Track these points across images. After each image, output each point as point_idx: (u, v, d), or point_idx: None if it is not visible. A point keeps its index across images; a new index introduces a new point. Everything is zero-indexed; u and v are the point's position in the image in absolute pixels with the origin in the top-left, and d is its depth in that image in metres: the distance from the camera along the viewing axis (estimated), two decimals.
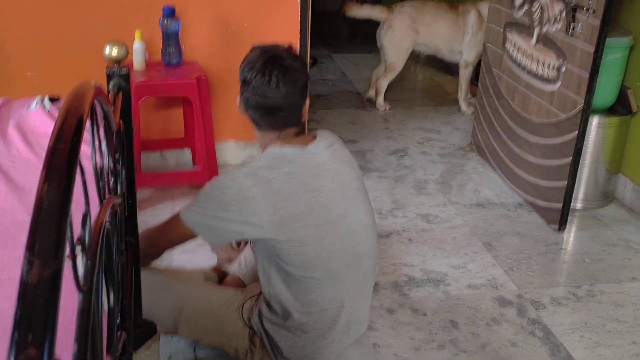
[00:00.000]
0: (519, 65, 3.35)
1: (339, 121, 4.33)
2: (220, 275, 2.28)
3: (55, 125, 0.77)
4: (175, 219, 1.80)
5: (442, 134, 4.17)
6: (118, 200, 1.39)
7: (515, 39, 3.39)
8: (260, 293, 1.95)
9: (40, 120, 1.67)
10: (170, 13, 3.11)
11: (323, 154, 1.79)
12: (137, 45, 3.13)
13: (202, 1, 3.29)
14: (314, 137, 1.84)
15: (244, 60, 1.80)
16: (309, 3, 3.45)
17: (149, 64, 3.20)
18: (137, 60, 3.15)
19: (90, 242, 0.84)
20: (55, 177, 0.64)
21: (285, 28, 3.41)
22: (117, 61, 1.84)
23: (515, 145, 3.38)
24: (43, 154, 1.54)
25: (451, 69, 5.48)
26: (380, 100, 4.51)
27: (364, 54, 5.81)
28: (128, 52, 1.83)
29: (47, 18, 3.19)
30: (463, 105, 4.55)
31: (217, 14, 3.34)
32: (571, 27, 2.86)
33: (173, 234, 1.83)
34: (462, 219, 3.13)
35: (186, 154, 3.59)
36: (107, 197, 1.15)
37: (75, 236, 0.80)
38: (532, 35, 3.22)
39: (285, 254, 1.73)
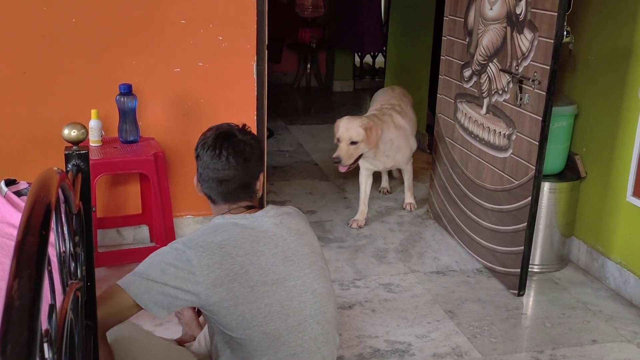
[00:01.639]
0: (470, 134, 3.45)
1: (297, 192, 4.35)
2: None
3: (22, 217, 0.75)
4: (113, 288, 1.75)
5: (399, 201, 4.22)
6: (79, 285, 1.36)
7: (466, 109, 3.51)
8: None
9: None
10: (127, 90, 3.13)
11: (268, 221, 1.85)
12: (94, 124, 3.12)
13: (158, 78, 3.32)
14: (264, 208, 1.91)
15: (199, 138, 1.93)
16: (265, 78, 3.52)
17: (105, 141, 3.19)
18: (94, 139, 3.14)
19: (56, 335, 0.82)
20: (26, 274, 0.63)
21: (242, 102, 3.46)
22: (76, 142, 1.84)
23: (471, 211, 3.45)
24: (1, 240, 1.52)
25: None
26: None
27: (319, 124, 5.91)
28: (87, 133, 1.83)
29: (1, 99, 3.16)
30: (409, 196, 4.15)
31: (174, 91, 3.37)
32: (519, 98, 2.98)
33: (112, 304, 1.73)
34: (423, 287, 3.15)
35: (143, 231, 3.54)
36: (69, 283, 1.13)
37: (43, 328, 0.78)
38: (481, 106, 3.34)
39: (222, 316, 1.75)
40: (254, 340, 1.74)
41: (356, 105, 6.74)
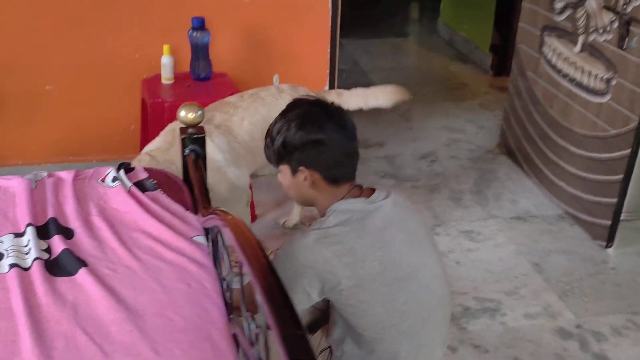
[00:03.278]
0: (559, 72, 3.24)
1: (360, 120, 4.17)
2: None
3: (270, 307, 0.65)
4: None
5: (468, 133, 4.07)
6: None
7: (555, 44, 3.27)
8: (330, 349, 1.86)
9: (123, 205, 1.51)
10: (199, 24, 2.94)
11: (387, 204, 1.69)
12: (166, 60, 2.96)
13: (228, 10, 3.12)
14: (373, 189, 1.74)
15: (284, 129, 1.63)
16: (339, 9, 3.29)
17: (177, 77, 3.03)
18: (166, 76, 2.98)
19: None
20: None
21: (315, 34, 3.26)
22: (193, 125, 1.71)
23: (554, 154, 3.29)
24: (142, 256, 1.40)
25: (465, 55, 5.36)
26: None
27: (374, 39, 5.63)
28: (204, 116, 1.69)
29: (68, 32, 3.00)
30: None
31: (244, 23, 3.17)
32: (625, 41, 2.75)
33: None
34: (505, 236, 3.06)
35: None
36: None
37: None
38: (575, 43, 3.10)
39: (357, 317, 1.64)
40: (386, 339, 1.66)
41: (406, 18, 6.40)
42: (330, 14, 3.24)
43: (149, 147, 2.26)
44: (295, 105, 1.69)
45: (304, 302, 1.64)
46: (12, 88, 3.04)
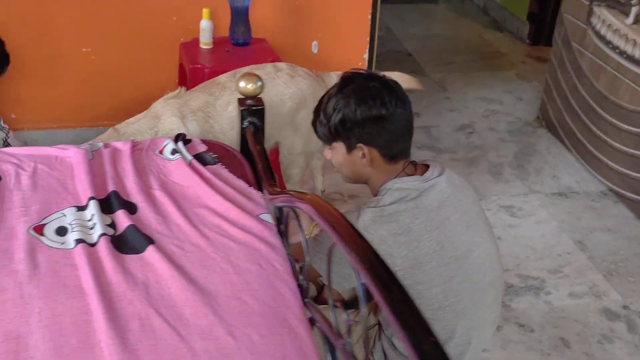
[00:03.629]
0: (608, 43, 3.13)
1: None
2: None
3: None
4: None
5: (505, 105, 3.97)
6: None
7: (604, 15, 3.16)
8: (379, 325, 1.83)
9: (185, 179, 1.45)
10: None
11: (442, 182, 1.63)
12: (205, 24, 2.88)
13: None
14: (427, 165, 1.68)
15: (341, 104, 1.57)
16: None
17: (215, 42, 2.95)
18: (205, 40, 2.91)
19: None
20: None
21: (357, 1, 3.16)
22: (252, 96, 1.65)
23: (599, 129, 3.21)
24: (209, 234, 1.36)
25: (499, 23, 5.23)
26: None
27: (406, 4, 5.49)
28: (264, 87, 1.63)
29: None
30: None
31: None
32: None
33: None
34: (546, 212, 3.00)
35: None
36: None
37: None
38: (628, 14, 2.99)
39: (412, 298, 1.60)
40: (441, 321, 1.62)
41: None
42: None
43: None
44: (351, 80, 1.61)
45: (353, 280, 1.60)
46: (47, 50, 2.98)
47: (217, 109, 2.18)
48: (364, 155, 1.60)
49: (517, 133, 3.68)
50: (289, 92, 2.24)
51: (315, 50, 3.24)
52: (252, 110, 1.65)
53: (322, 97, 1.62)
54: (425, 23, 5.37)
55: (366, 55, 3.31)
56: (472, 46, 4.89)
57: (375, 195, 1.65)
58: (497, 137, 3.62)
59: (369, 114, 1.55)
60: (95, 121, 3.19)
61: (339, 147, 1.62)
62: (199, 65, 2.77)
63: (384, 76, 1.64)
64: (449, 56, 4.58)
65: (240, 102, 1.67)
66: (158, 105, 2.18)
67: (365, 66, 3.33)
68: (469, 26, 5.29)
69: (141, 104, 3.18)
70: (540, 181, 3.24)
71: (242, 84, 1.64)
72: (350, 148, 1.61)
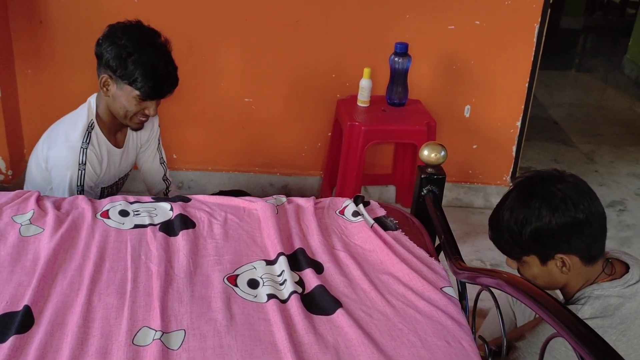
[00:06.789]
0: None
1: (539, 157, 4.01)
2: None
3: None
4: None
5: None
6: None
7: None
8: None
9: (367, 242, 1.47)
10: (403, 50, 2.91)
11: None
12: (365, 83, 2.96)
13: (429, 36, 3.06)
14: (623, 263, 1.56)
15: (531, 217, 1.47)
16: (542, 42, 3.15)
17: (371, 101, 3.02)
18: (362, 99, 2.98)
19: None
20: None
21: (514, 67, 3.14)
22: (434, 165, 1.66)
23: None
24: (395, 302, 1.33)
25: None
26: None
27: (551, 70, 5.38)
28: (447, 157, 1.65)
29: (272, 48, 3.07)
30: None
31: (444, 50, 3.10)
32: None
33: None
34: None
35: (389, 191, 3.42)
36: None
37: None
38: None
39: None
40: None
41: (588, 51, 6.07)
42: (534, 47, 3.11)
43: None
44: (529, 186, 1.51)
45: None
46: (213, 97, 3.15)
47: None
48: (563, 264, 1.50)
49: None
50: None
51: (467, 114, 3.23)
52: (433, 179, 1.66)
53: (498, 211, 1.52)
54: (572, 91, 5.23)
55: (519, 123, 3.26)
56: (622, 118, 4.70)
57: (569, 298, 1.56)
58: None
59: (564, 222, 1.46)
60: (247, 167, 3.32)
61: (532, 260, 1.53)
62: (357, 123, 2.83)
63: (561, 173, 1.56)
64: (597, 127, 4.42)
65: (421, 169, 1.68)
66: None
67: (517, 134, 3.29)
68: (620, 98, 5.10)
69: (292, 154, 3.31)
70: None
71: (425, 152, 1.65)
72: (545, 259, 1.52)
